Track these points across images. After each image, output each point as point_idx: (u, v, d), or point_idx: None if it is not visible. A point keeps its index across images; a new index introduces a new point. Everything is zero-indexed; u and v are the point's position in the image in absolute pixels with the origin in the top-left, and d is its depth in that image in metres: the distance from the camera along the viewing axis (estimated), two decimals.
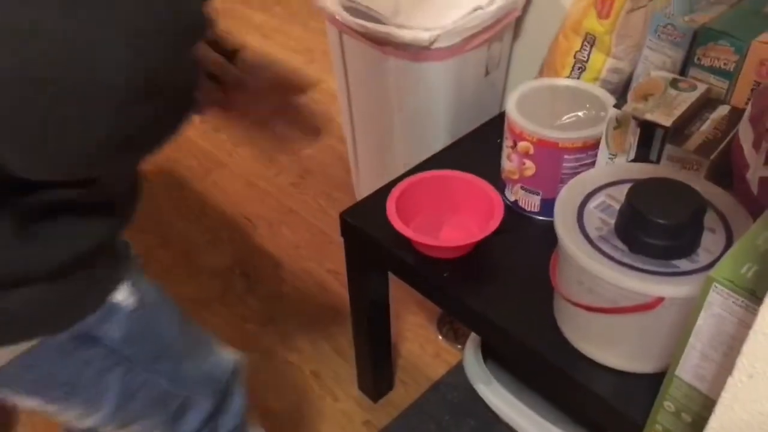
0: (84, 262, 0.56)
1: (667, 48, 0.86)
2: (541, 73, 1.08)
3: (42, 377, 0.60)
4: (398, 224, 0.88)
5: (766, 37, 0.80)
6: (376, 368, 1.21)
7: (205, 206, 1.67)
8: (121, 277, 0.61)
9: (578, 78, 1.00)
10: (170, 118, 0.48)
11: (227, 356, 0.78)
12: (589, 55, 0.98)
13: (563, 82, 0.98)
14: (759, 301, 0.43)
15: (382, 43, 1.07)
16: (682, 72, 0.88)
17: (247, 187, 1.71)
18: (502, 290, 0.87)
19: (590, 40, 0.96)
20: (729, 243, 0.67)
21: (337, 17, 1.10)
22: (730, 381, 0.43)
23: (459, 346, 1.31)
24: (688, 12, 0.87)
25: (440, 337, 1.34)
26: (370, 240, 0.95)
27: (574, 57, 0.99)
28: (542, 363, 0.79)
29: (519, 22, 1.16)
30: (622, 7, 0.92)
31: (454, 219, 0.96)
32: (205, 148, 1.82)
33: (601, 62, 0.97)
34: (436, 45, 1.04)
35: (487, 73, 1.17)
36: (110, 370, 0.63)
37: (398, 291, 1.11)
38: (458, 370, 1.24)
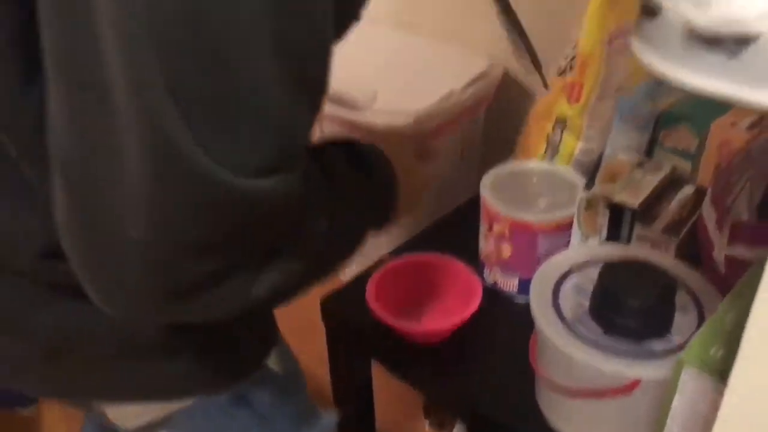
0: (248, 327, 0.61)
1: (632, 131, 0.90)
2: (516, 155, 1.12)
3: (195, 427, 0.62)
4: (379, 310, 0.88)
5: (725, 120, 0.84)
6: None
7: None
8: (273, 343, 0.65)
9: (552, 159, 1.03)
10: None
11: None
12: (561, 138, 1.01)
13: (535, 165, 1.00)
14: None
15: (359, 129, 1.10)
16: (648, 153, 0.91)
17: None
18: (484, 374, 0.86)
19: (561, 124, 1.00)
20: (701, 322, 0.68)
21: None
22: None
23: None
24: (651, 98, 0.91)
25: (427, 426, 1.32)
26: (352, 326, 0.94)
27: (547, 140, 1.02)
28: None
29: (491, 106, 1.21)
30: (591, 92, 0.96)
31: (435, 302, 0.96)
32: None
33: (572, 144, 1.01)
34: (411, 130, 1.07)
35: (462, 155, 1.20)
36: (250, 430, 0.65)
37: (382, 378, 1.09)
38: None
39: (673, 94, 0.92)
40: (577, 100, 0.96)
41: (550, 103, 1.02)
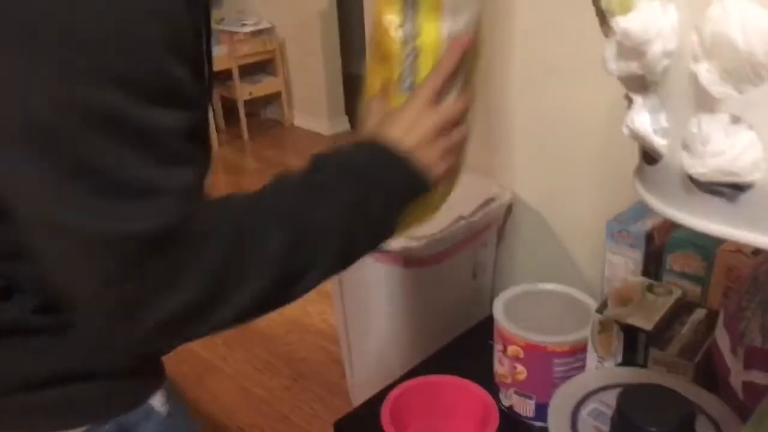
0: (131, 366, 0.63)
1: (626, 250, 0.93)
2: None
3: None
4: None
5: (730, 245, 0.86)
6: None
7: (196, 415, 1.64)
8: (159, 383, 0.66)
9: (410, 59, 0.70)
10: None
11: None
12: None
13: (547, 286, 1.02)
14: None
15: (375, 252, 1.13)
16: (648, 272, 0.93)
17: (240, 392, 1.69)
18: None
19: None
20: None
21: None
22: None
23: None
24: (640, 217, 0.94)
25: None
26: None
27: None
28: None
29: (501, 229, 1.24)
30: None
31: (450, 425, 0.95)
32: (198, 353, 1.83)
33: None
34: (425, 252, 1.10)
35: (474, 276, 1.23)
36: None
37: None
38: None
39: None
40: None
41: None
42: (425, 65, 0.68)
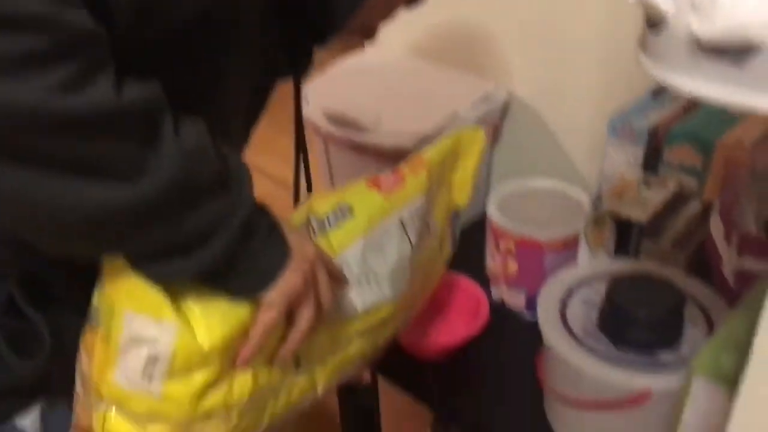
0: None
1: (627, 146, 0.91)
2: None
3: None
4: None
5: (730, 137, 0.85)
6: None
7: None
8: (28, 400, 0.61)
9: None
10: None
11: None
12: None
13: (541, 182, 1.01)
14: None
15: (365, 151, 1.12)
16: (648, 167, 0.92)
17: None
18: (493, 391, 0.86)
19: None
20: (711, 334, 0.68)
21: (321, 128, 1.15)
22: None
23: None
24: (642, 113, 0.92)
25: None
26: None
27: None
28: None
29: (497, 127, 1.22)
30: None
31: (442, 319, 0.96)
32: None
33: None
34: (418, 150, 1.08)
35: None
36: None
37: (389, 395, 1.09)
38: None
39: (665, 108, 0.93)
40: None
41: None
42: None
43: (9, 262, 0.57)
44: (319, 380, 0.65)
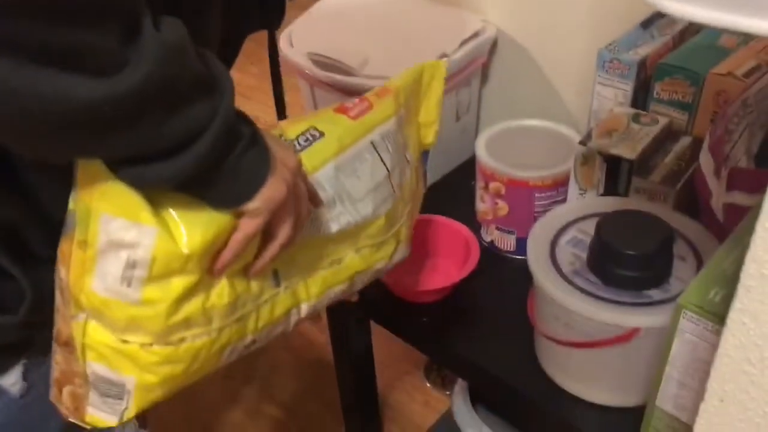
0: None
1: (617, 81, 0.89)
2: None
3: None
4: None
5: (721, 69, 0.83)
6: (365, 420, 1.19)
7: None
8: (13, 360, 0.60)
9: None
10: None
11: None
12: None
13: (530, 122, 1.00)
14: None
15: (352, 93, 1.09)
16: (637, 103, 0.90)
17: None
18: (483, 332, 0.86)
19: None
20: (700, 270, 0.68)
21: (307, 72, 1.12)
22: (702, 407, 0.43)
23: (447, 393, 1.29)
24: (632, 46, 0.90)
25: (428, 385, 1.33)
26: None
27: None
28: (526, 403, 0.79)
29: (486, 67, 1.19)
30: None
31: (432, 263, 0.96)
32: None
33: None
34: None
35: (457, 118, 1.19)
36: None
37: (382, 339, 1.10)
38: (448, 417, 1.22)
39: (654, 42, 0.91)
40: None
41: None
42: None
43: None
44: (302, 297, 0.65)
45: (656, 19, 0.94)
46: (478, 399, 1.15)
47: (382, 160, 0.68)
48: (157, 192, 0.51)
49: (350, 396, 1.14)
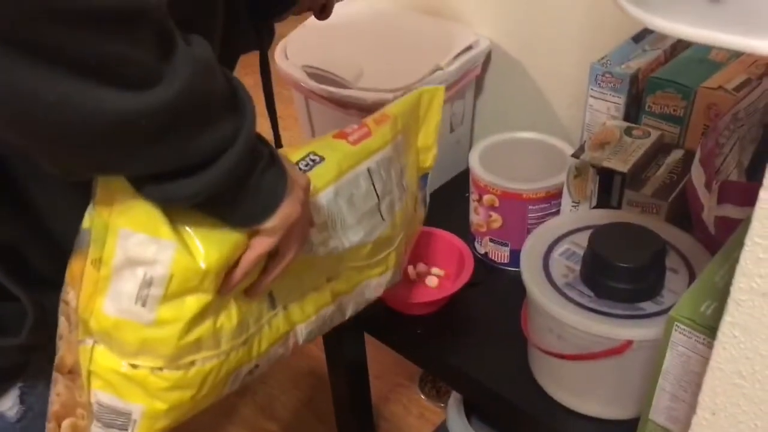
0: None
1: (609, 94, 0.90)
2: None
3: None
4: None
5: (712, 83, 0.84)
6: None
7: None
8: (7, 384, 0.60)
9: None
10: None
11: None
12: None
13: (523, 134, 1.00)
14: None
15: (347, 106, 1.10)
16: (629, 116, 0.91)
17: None
18: (477, 344, 0.86)
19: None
20: (692, 282, 0.68)
21: (302, 84, 1.13)
22: (694, 419, 0.43)
23: (442, 405, 1.29)
24: (624, 60, 0.91)
25: (423, 397, 1.32)
26: None
27: None
28: (520, 415, 0.79)
29: (480, 80, 1.20)
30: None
31: (426, 274, 0.96)
32: None
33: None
34: None
35: (451, 130, 1.20)
36: None
37: (376, 351, 1.10)
38: (443, 429, 1.22)
39: (646, 56, 0.92)
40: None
41: None
42: None
43: None
44: (297, 319, 0.65)
45: (647, 33, 0.95)
46: (472, 411, 1.15)
47: (374, 188, 0.68)
48: (175, 210, 0.51)
49: (345, 408, 1.14)
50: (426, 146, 0.78)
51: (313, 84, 1.11)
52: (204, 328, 0.54)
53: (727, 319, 0.40)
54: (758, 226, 0.37)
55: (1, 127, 0.42)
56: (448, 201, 1.08)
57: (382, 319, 0.91)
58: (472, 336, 0.88)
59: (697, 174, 0.71)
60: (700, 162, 0.71)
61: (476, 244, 0.97)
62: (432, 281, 0.95)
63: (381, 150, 0.68)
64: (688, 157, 0.83)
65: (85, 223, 0.52)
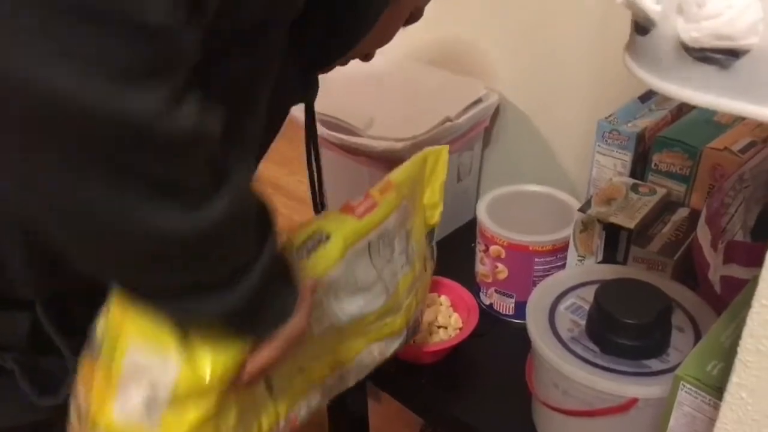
0: None
1: (615, 151, 0.91)
2: None
3: None
4: None
5: (717, 144, 0.85)
6: None
7: None
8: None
9: None
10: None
11: None
12: None
13: (531, 187, 1.01)
14: None
15: (357, 153, 1.11)
16: (635, 173, 0.92)
17: None
18: (481, 396, 0.86)
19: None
20: (698, 341, 0.68)
21: None
22: None
23: None
24: (630, 118, 0.92)
25: None
26: None
27: None
28: None
29: (488, 131, 1.22)
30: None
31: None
32: None
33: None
34: (409, 155, 1.08)
35: (459, 179, 1.21)
36: None
37: (377, 404, 1.09)
38: None
39: (653, 115, 0.94)
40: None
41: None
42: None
43: (34, 286, 0.55)
44: (298, 400, 0.65)
45: (654, 93, 0.97)
46: None
47: (371, 262, 0.67)
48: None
49: None
50: (432, 204, 0.79)
51: (324, 131, 1.13)
52: (207, 429, 0.54)
53: (734, 380, 0.40)
54: (765, 288, 0.37)
55: (54, 229, 0.42)
56: (454, 250, 1.09)
57: (385, 367, 0.90)
58: (476, 388, 0.87)
59: (702, 233, 0.71)
60: (706, 221, 0.71)
61: (481, 295, 0.97)
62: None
63: (384, 221, 0.68)
64: (694, 215, 0.84)
65: (98, 329, 0.53)
